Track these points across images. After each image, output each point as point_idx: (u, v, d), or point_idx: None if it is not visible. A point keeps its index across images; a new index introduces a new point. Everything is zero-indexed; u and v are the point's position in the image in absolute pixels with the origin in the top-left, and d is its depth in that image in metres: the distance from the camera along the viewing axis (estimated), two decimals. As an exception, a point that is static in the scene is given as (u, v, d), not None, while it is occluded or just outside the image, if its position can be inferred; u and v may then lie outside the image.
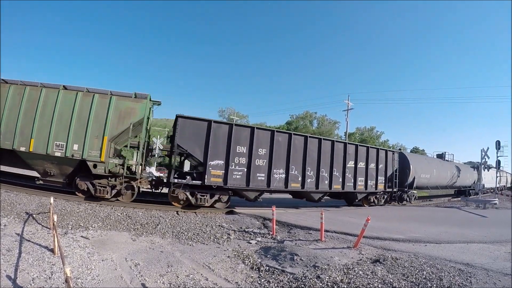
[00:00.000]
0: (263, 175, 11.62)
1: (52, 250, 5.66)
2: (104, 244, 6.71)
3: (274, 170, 11.79)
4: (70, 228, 7.56)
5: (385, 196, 16.84)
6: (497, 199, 20.96)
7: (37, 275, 4.61)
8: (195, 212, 10.67)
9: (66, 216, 8.32)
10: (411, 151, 34.24)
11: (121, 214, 9.23)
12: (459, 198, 26.15)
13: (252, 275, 5.56)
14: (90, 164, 9.88)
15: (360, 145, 15.33)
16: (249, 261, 6.24)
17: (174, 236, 7.98)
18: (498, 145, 23.94)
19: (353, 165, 14.44)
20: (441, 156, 25.43)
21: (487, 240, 8.60)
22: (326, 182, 13.40)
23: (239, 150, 11.14)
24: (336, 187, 13.73)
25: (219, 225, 9.32)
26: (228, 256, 6.58)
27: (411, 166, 18.46)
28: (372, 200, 16.04)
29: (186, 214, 10.28)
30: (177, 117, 10.56)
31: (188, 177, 10.66)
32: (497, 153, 24.16)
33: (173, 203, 10.79)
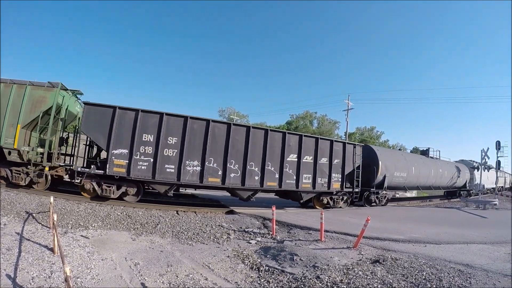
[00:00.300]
0: (173, 166, 10.46)
1: (52, 249, 5.66)
2: (104, 243, 6.71)
3: (187, 162, 10.57)
4: (70, 228, 7.56)
5: (345, 197, 14.51)
6: (497, 199, 20.94)
7: (36, 274, 4.61)
8: (195, 212, 10.68)
9: (66, 216, 8.33)
10: (411, 151, 33.12)
11: (121, 213, 9.23)
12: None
13: (252, 275, 5.56)
14: (6, 152, 10.31)
15: (306, 136, 13.04)
16: (249, 261, 6.24)
17: (174, 235, 7.98)
18: (498, 145, 23.92)
19: (296, 159, 12.46)
20: (425, 153, 22.96)
21: (487, 241, 8.60)
22: (257, 178, 11.60)
23: (145, 138, 10.21)
24: (270, 184, 11.84)
25: (219, 225, 9.32)
26: (228, 256, 6.58)
27: (380, 162, 15.82)
28: (326, 202, 13.70)
29: (186, 214, 10.28)
30: (84, 104, 10.43)
31: (92, 166, 10.21)
32: (497, 154, 24.14)
33: (82, 193, 10.43)
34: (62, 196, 10.11)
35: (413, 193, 30.08)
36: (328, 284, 4.96)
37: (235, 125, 11.53)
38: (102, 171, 9.97)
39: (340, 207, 14.42)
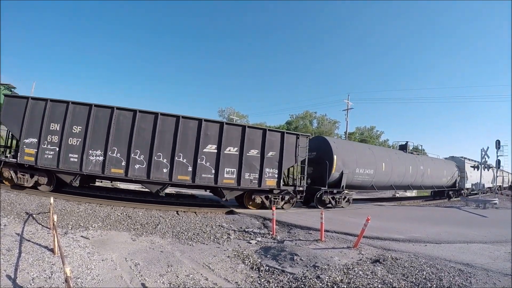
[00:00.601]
0: (76, 156, 10.15)
1: (52, 250, 5.66)
2: (104, 244, 6.71)
3: (90, 151, 10.22)
4: (70, 228, 7.57)
5: (287, 197, 12.45)
6: (497, 198, 20.93)
7: (37, 274, 4.61)
8: (195, 212, 10.68)
9: (66, 216, 8.33)
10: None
11: (121, 214, 9.24)
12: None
13: (252, 275, 5.56)
14: None
15: (229, 124, 11.59)
16: (249, 261, 6.24)
17: (174, 236, 7.99)
18: (498, 144, 23.90)
19: (215, 151, 11.06)
20: (404, 148, 20.37)
21: (487, 240, 8.59)
22: (165, 170, 10.61)
23: (53, 127, 10.15)
24: (182, 178, 10.71)
25: (219, 225, 9.32)
26: (228, 256, 6.58)
27: (334, 157, 13.56)
28: (260, 201, 11.79)
29: (186, 214, 10.29)
30: (4, 96, 10.65)
31: (9, 155, 10.46)
32: (497, 153, 24.11)
33: (3, 181, 10.42)
34: (62, 197, 10.10)
35: (413, 193, 28.10)
36: (329, 284, 4.96)
37: (141, 112, 10.61)
38: (15, 160, 10.08)
39: (282, 208, 12.45)
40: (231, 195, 11.55)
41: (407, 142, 20.65)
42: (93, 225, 8.02)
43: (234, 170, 11.30)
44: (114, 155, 10.35)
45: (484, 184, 24.07)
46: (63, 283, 4.32)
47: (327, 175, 13.67)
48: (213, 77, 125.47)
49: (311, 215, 11.26)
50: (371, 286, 4.87)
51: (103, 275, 4.99)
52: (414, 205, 20.78)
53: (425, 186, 21.43)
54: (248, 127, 11.84)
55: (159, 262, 5.85)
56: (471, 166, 25.49)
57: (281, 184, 12.03)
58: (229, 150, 11.25)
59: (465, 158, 26.59)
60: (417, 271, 5.53)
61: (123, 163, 10.37)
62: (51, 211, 6.75)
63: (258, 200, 11.79)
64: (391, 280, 5.09)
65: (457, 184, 24.43)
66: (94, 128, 10.31)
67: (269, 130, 12.09)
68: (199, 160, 10.85)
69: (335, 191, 14.12)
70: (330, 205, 14.01)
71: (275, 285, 5.09)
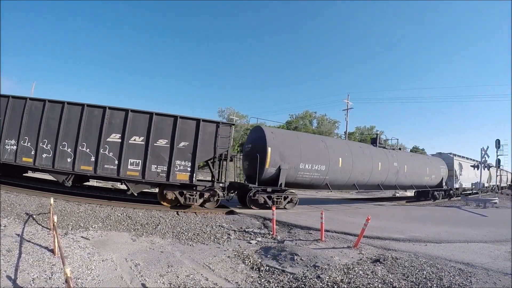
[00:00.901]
0: None
1: (52, 251, 5.67)
2: (104, 244, 6.72)
3: (6, 141, 10.26)
4: (70, 229, 7.57)
5: (207, 194, 11.11)
6: (497, 198, 20.94)
7: (37, 275, 4.62)
8: (195, 213, 10.68)
9: (66, 217, 8.33)
10: (410, 151, 31.28)
11: (121, 214, 9.24)
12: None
13: (252, 275, 5.56)
14: None
15: (134, 111, 10.57)
16: (249, 261, 6.24)
17: (174, 236, 7.99)
18: (498, 144, 23.91)
19: (119, 140, 10.34)
20: (375, 141, 18.28)
21: (487, 240, 8.59)
22: (69, 160, 10.23)
23: None
24: (85, 168, 10.23)
25: (219, 225, 9.32)
26: (228, 256, 6.58)
27: (268, 149, 11.69)
28: (172, 198, 10.70)
29: (186, 215, 10.28)
30: None
31: None
32: (497, 152, 24.11)
33: None
34: (62, 198, 10.11)
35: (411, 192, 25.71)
36: (329, 283, 4.96)
37: (50, 101, 10.53)
38: None
39: (203, 206, 11.26)
40: (137, 189, 10.63)
41: (377, 134, 18.15)
42: (93, 226, 8.02)
43: (139, 162, 10.42)
44: (26, 144, 10.39)
45: (483, 183, 24.01)
46: (63, 283, 4.32)
47: (259, 170, 11.90)
48: (213, 77, 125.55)
49: (311, 215, 11.25)
50: (371, 286, 4.87)
51: (103, 275, 4.99)
52: (414, 205, 20.73)
53: (401, 186, 18.81)
54: (156, 114, 10.68)
55: (159, 263, 5.85)
56: (459, 162, 23.60)
57: (194, 179, 10.71)
58: (134, 140, 10.47)
59: (454, 154, 24.17)
60: (418, 270, 5.53)
61: (32, 152, 10.34)
62: (51, 212, 6.75)
63: (169, 196, 10.70)
64: (392, 280, 5.10)
65: (444, 184, 22.04)
66: (11, 118, 10.43)
67: (181, 117, 10.76)
68: (101, 150, 10.30)
69: (269, 189, 12.14)
70: (267, 206, 11.84)
71: (276, 285, 5.09)
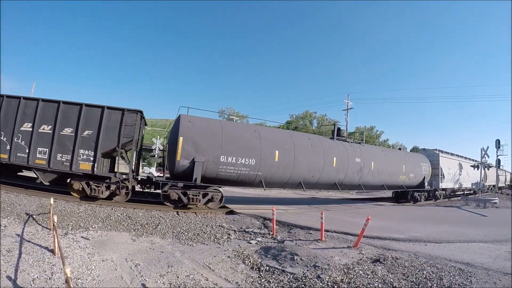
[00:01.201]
0: None
1: (52, 251, 5.67)
2: (104, 244, 6.72)
3: None
4: (70, 229, 7.57)
5: (113, 187, 10.58)
6: (497, 198, 20.96)
7: (37, 275, 4.62)
8: (195, 213, 10.68)
9: (66, 217, 8.33)
10: (410, 151, 31.41)
11: (121, 214, 9.24)
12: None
13: (252, 275, 5.57)
14: None
15: (45, 101, 10.65)
16: (249, 261, 6.24)
17: (174, 236, 7.99)
18: (498, 144, 23.94)
19: (30, 129, 10.48)
20: (338, 135, 16.17)
21: (487, 240, 8.60)
22: None
23: None
24: (2, 156, 10.44)
25: (219, 225, 9.32)
26: (228, 256, 6.59)
27: (180, 138, 10.56)
28: (78, 188, 10.40)
29: (186, 215, 10.28)
30: None
31: None
32: (497, 152, 24.13)
33: None
34: (62, 198, 10.11)
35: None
36: (329, 283, 4.96)
37: None
38: None
39: (110, 199, 10.71)
40: (46, 178, 10.55)
41: (335, 124, 15.57)
42: (93, 226, 8.03)
43: (46, 150, 10.50)
44: None
45: (483, 183, 23.99)
46: (63, 283, 4.32)
47: (169, 163, 11.08)
48: (213, 76, 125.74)
49: (311, 215, 11.27)
50: (371, 285, 4.87)
51: (103, 275, 4.99)
52: (413, 205, 20.70)
53: (368, 186, 16.13)
54: (63, 102, 10.76)
55: (160, 263, 5.85)
56: (447, 159, 21.74)
57: (95, 169, 10.40)
58: (43, 129, 10.58)
59: (440, 150, 21.84)
60: (418, 270, 5.53)
61: None
62: (51, 212, 6.75)
63: (76, 186, 10.48)
64: (392, 280, 5.10)
65: (426, 183, 19.54)
66: None
67: (86, 105, 10.74)
68: (15, 138, 10.46)
69: (180, 184, 10.83)
70: (183, 203, 10.88)
71: (276, 285, 5.09)
